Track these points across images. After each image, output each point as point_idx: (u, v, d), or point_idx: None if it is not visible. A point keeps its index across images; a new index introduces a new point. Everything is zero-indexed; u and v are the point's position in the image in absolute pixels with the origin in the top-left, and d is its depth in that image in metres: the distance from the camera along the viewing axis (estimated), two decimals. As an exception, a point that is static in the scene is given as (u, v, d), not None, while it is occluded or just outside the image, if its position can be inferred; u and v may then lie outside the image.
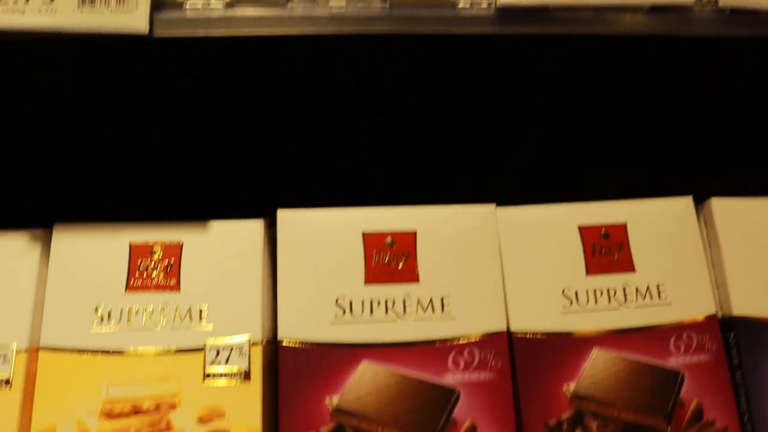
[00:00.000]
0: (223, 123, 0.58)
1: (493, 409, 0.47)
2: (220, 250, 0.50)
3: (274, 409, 0.47)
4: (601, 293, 0.50)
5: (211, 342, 0.48)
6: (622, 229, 0.52)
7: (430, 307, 0.49)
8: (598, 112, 0.62)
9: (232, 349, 0.48)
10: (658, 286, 0.51)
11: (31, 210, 0.55)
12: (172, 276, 0.49)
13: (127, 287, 0.49)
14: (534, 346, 0.49)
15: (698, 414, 0.48)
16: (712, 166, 0.62)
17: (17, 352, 0.47)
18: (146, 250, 0.50)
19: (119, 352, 0.47)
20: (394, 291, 0.49)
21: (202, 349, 0.48)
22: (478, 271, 0.50)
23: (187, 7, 0.45)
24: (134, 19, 0.44)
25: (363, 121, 0.59)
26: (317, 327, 0.48)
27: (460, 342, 0.48)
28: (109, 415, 0.46)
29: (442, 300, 0.49)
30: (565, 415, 0.48)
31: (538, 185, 0.61)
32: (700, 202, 0.54)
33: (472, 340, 0.48)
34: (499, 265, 0.50)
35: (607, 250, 0.52)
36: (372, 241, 0.50)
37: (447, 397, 0.47)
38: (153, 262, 0.50)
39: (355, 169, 0.60)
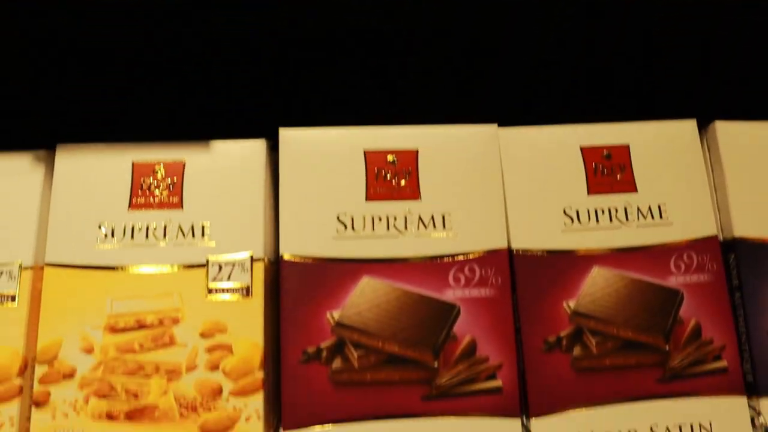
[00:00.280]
0: (224, 44, 0.57)
1: (493, 325, 0.47)
2: (222, 169, 0.50)
3: (275, 326, 0.48)
4: (603, 212, 0.50)
5: (214, 258, 0.48)
6: (625, 150, 0.52)
7: (431, 224, 0.49)
8: (600, 36, 0.60)
9: (234, 265, 0.48)
10: (660, 207, 0.51)
11: (35, 131, 0.55)
12: (174, 194, 0.50)
13: (131, 205, 0.49)
14: (534, 264, 0.49)
15: (696, 332, 0.49)
16: (717, 90, 0.61)
17: (23, 269, 0.48)
18: (149, 168, 0.50)
19: (123, 268, 0.48)
20: (396, 208, 0.49)
21: (204, 265, 0.48)
22: (480, 189, 0.50)
23: None
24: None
25: (367, 44, 0.58)
26: (319, 242, 0.48)
27: (461, 258, 0.48)
28: (114, 329, 0.47)
29: (443, 217, 0.49)
30: (565, 332, 0.48)
31: (541, 107, 0.61)
32: (704, 125, 0.54)
33: (473, 256, 0.49)
34: (501, 184, 0.50)
35: (609, 171, 0.51)
36: (374, 159, 0.50)
37: (447, 312, 0.47)
38: (156, 181, 0.50)
39: (359, 88, 0.59)
